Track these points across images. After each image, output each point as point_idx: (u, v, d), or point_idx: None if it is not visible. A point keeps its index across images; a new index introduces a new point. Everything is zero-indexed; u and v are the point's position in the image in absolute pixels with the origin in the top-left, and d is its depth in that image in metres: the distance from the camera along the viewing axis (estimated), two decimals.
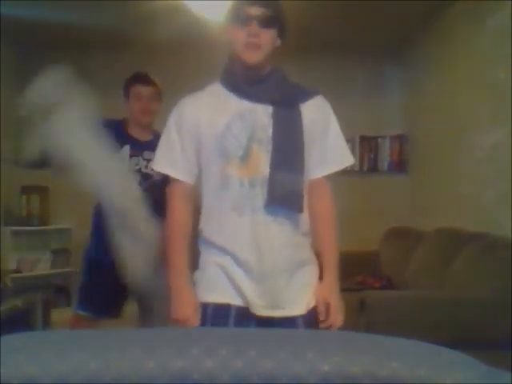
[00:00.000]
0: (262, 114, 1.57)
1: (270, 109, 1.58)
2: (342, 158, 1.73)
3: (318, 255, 1.71)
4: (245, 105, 1.58)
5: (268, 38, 1.57)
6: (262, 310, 1.55)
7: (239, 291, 1.56)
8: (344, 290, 3.65)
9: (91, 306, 2.55)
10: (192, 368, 0.62)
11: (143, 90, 2.70)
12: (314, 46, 4.79)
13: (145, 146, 2.60)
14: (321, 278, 1.69)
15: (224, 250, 1.57)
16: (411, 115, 4.86)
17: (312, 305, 1.63)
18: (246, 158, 1.54)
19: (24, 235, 4.67)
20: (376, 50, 4.95)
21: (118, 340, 0.69)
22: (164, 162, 1.66)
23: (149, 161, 2.53)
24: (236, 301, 1.56)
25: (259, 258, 1.54)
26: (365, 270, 4.16)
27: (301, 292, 1.61)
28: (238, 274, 1.56)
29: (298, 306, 1.60)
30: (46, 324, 4.12)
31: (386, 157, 4.96)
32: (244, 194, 1.54)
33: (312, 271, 1.68)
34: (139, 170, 2.57)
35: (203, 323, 1.57)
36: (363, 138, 4.94)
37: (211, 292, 1.59)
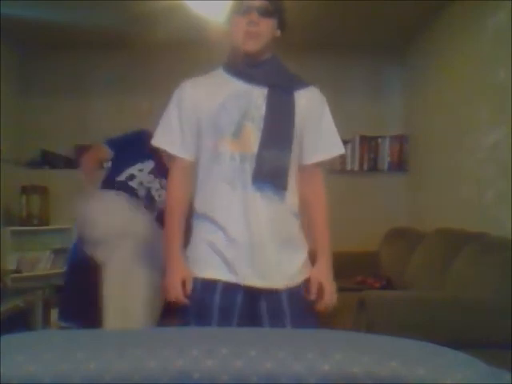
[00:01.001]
0: (257, 95, 1.67)
1: (265, 91, 1.67)
2: (332, 147, 1.80)
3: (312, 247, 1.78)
4: (241, 86, 1.68)
5: (267, 27, 1.66)
6: (248, 278, 1.62)
7: (228, 265, 1.62)
8: (344, 289, 3.65)
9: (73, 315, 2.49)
10: (192, 368, 0.62)
11: None
12: (313, 46, 4.79)
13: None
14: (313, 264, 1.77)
15: (215, 223, 1.64)
16: (411, 115, 4.86)
17: (297, 280, 1.70)
18: (238, 134, 1.63)
19: (24, 235, 4.67)
20: (376, 50, 4.95)
21: (118, 340, 0.69)
22: (163, 139, 1.74)
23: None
24: (224, 276, 1.62)
25: (248, 230, 1.61)
26: (365, 270, 4.16)
27: (286, 266, 1.68)
28: (227, 247, 1.62)
29: (282, 279, 1.66)
30: (46, 324, 4.12)
31: (385, 157, 4.96)
32: (235, 169, 1.62)
33: (299, 249, 1.74)
34: (151, 197, 2.53)
35: (191, 297, 1.65)
36: (363, 138, 4.94)
37: (201, 268, 1.66)
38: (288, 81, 1.75)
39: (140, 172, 2.57)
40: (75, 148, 4.88)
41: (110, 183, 2.58)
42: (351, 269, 4.21)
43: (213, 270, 1.64)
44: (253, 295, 1.64)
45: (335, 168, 4.94)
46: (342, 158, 4.95)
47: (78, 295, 2.48)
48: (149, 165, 2.57)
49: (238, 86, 1.68)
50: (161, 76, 5.00)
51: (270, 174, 1.62)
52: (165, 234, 1.72)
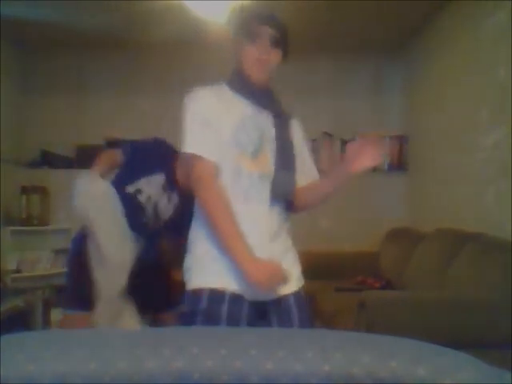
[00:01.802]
0: (266, 119, 1.75)
1: (270, 116, 1.76)
2: (315, 172, 1.94)
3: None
4: (252, 107, 1.75)
5: (277, 56, 1.73)
6: (256, 295, 1.64)
7: (235, 276, 1.61)
8: (344, 290, 3.66)
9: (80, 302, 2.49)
10: (192, 368, 0.62)
11: None
12: (314, 46, 4.79)
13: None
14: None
15: None
16: (411, 115, 4.86)
17: (300, 284, 1.79)
18: (256, 154, 1.70)
19: (24, 235, 4.67)
20: (376, 50, 4.96)
21: (118, 340, 0.69)
22: (196, 145, 1.68)
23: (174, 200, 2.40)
24: (231, 286, 1.62)
25: (260, 244, 1.65)
26: (365, 270, 4.16)
27: (292, 271, 1.73)
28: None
29: (290, 284, 1.70)
30: (46, 324, 4.12)
31: (385, 157, 4.96)
32: (252, 186, 1.68)
33: (295, 256, 1.86)
34: (156, 207, 2.39)
35: (198, 307, 1.62)
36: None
37: (207, 277, 1.66)
38: (284, 109, 1.85)
39: (148, 185, 2.38)
40: (75, 148, 4.88)
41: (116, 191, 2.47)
42: (351, 269, 4.21)
43: (221, 280, 1.63)
44: (260, 303, 1.66)
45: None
46: (342, 158, 4.95)
47: (79, 282, 2.47)
48: (159, 178, 2.37)
49: (249, 106, 1.74)
50: (160, 76, 5.01)
51: (283, 194, 1.74)
52: (228, 238, 1.60)
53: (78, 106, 4.99)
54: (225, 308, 1.61)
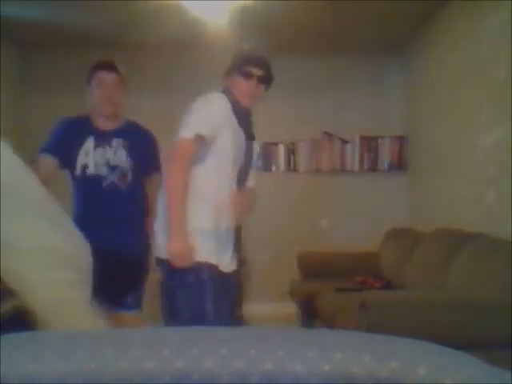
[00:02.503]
0: (242, 137, 2.18)
1: (244, 135, 2.18)
2: (253, 181, 2.35)
3: None
4: (238, 125, 2.17)
5: (261, 91, 2.22)
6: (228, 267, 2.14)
7: (215, 252, 2.07)
8: (344, 290, 3.67)
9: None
10: (192, 368, 0.62)
11: (106, 77, 2.55)
12: (314, 47, 4.80)
13: (113, 134, 2.52)
14: None
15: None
16: (411, 115, 4.86)
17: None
18: (236, 161, 2.16)
19: None
20: (376, 50, 4.95)
21: (118, 340, 0.69)
22: (193, 130, 2.03)
23: (117, 148, 2.49)
24: (211, 259, 2.05)
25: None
26: (365, 270, 4.16)
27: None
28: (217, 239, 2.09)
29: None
30: None
31: (385, 157, 4.96)
32: (232, 178, 2.15)
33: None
34: (106, 163, 2.47)
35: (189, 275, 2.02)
36: (363, 138, 4.94)
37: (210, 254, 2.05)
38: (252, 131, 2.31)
39: (87, 155, 2.47)
40: None
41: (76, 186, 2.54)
42: (351, 269, 4.21)
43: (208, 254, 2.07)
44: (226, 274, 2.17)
45: (335, 168, 4.95)
46: (342, 157, 4.96)
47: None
48: (90, 141, 2.49)
49: (236, 122, 2.15)
50: (160, 76, 5.01)
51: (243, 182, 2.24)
52: (175, 210, 2.01)
53: (78, 106, 4.98)
54: (206, 277, 2.03)
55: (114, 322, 2.38)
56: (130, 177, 2.50)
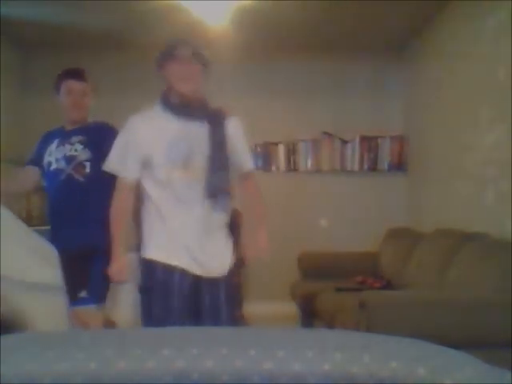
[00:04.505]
0: (198, 129, 2.08)
1: (204, 124, 2.09)
2: (248, 165, 2.27)
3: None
4: (181, 122, 2.08)
5: (198, 71, 2.11)
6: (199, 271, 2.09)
7: (184, 256, 2.06)
8: (344, 290, 3.67)
9: None
10: (192, 368, 0.62)
11: (74, 86, 2.65)
12: (314, 47, 4.80)
13: (72, 133, 2.63)
14: None
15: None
16: (411, 115, 4.86)
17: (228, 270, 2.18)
18: (186, 164, 2.04)
19: None
20: (376, 50, 4.95)
21: (118, 340, 0.69)
22: (114, 164, 2.12)
23: (74, 143, 2.58)
24: (181, 263, 2.05)
25: (190, 235, 2.11)
26: (365, 270, 4.16)
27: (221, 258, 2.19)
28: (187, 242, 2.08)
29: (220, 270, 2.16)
30: None
31: (385, 157, 4.96)
32: (182, 191, 2.07)
33: (228, 245, 2.26)
34: (64, 156, 2.57)
35: (151, 278, 2.08)
36: (363, 138, 4.94)
37: (161, 252, 2.07)
38: (218, 113, 2.22)
39: (50, 155, 2.62)
40: None
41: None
42: (351, 269, 4.21)
43: (173, 256, 2.09)
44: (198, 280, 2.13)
45: (335, 168, 4.95)
46: (342, 157, 4.96)
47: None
48: (55, 143, 2.65)
49: (177, 122, 2.10)
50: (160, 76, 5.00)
51: (217, 192, 2.09)
52: (113, 232, 2.12)
53: None
54: (176, 281, 2.05)
55: (72, 319, 2.39)
56: (88, 168, 2.54)
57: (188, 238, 2.08)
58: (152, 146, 2.05)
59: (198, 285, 2.09)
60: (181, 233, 2.08)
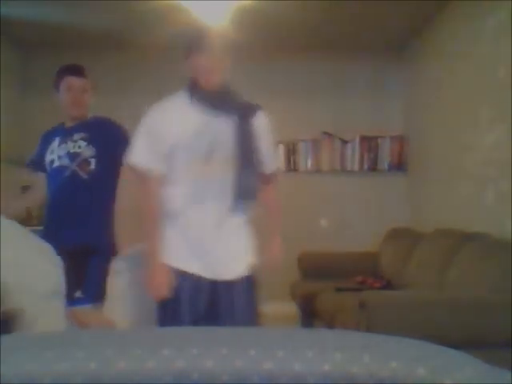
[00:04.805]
0: (223, 124, 1.95)
1: (231, 119, 1.96)
2: (272, 166, 2.17)
3: None
4: (207, 114, 1.95)
5: (224, 62, 2.00)
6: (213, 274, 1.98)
7: (198, 260, 1.95)
8: (344, 290, 3.66)
9: None
10: (192, 368, 0.62)
11: (74, 82, 2.60)
12: (314, 47, 4.80)
13: (74, 129, 2.58)
14: None
15: None
16: (411, 115, 4.86)
17: (249, 271, 2.06)
18: (208, 159, 1.92)
19: None
20: (376, 50, 4.95)
21: (118, 340, 0.69)
22: (140, 156, 1.98)
23: (77, 140, 2.54)
24: (195, 269, 1.94)
25: (207, 235, 2.00)
26: (365, 270, 4.16)
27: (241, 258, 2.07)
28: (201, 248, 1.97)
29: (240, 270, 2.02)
30: None
31: (385, 157, 4.96)
32: (201, 188, 1.95)
33: (247, 245, 2.13)
34: (67, 153, 2.52)
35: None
36: (363, 138, 4.94)
37: (174, 257, 1.96)
38: (247, 106, 2.11)
39: (52, 153, 2.58)
40: None
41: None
42: (351, 269, 4.21)
43: (187, 263, 1.97)
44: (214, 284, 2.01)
45: (335, 168, 4.95)
46: (342, 157, 4.96)
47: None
48: (56, 141, 2.61)
49: (203, 113, 1.97)
50: (160, 76, 5.00)
51: (245, 194, 1.97)
52: (150, 236, 1.98)
53: None
54: (188, 286, 1.93)
55: (70, 319, 2.37)
56: (93, 165, 2.50)
57: (202, 241, 1.96)
58: (176, 137, 1.92)
59: (214, 289, 1.96)
60: (194, 235, 1.96)
